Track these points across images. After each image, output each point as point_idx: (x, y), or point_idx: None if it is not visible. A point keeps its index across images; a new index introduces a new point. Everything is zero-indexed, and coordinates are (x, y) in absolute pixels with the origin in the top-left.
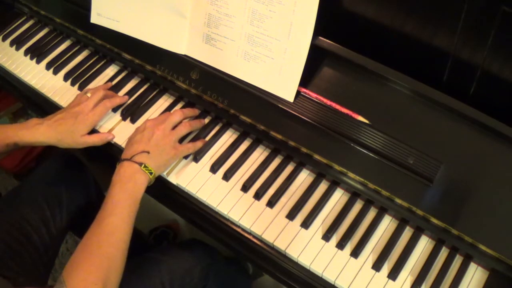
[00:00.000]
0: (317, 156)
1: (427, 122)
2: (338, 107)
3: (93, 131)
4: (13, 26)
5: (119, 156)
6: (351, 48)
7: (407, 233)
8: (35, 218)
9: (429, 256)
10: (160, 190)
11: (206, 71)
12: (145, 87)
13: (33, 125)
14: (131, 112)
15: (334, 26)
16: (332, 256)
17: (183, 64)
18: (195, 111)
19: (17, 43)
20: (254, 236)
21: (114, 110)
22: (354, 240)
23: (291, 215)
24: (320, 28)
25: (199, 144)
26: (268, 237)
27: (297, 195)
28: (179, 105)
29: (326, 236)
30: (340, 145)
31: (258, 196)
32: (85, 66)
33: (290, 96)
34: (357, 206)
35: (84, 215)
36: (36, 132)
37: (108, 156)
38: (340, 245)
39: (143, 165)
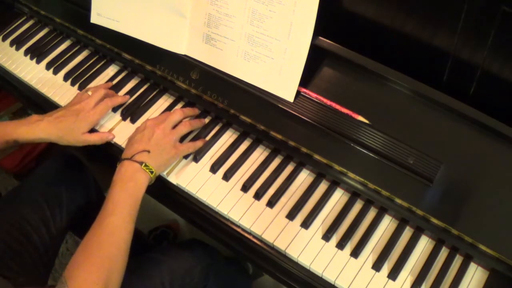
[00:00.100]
0: (317, 156)
1: (427, 122)
2: (338, 107)
3: (93, 130)
4: (13, 26)
5: (119, 156)
6: (351, 48)
7: (407, 233)
8: (35, 218)
9: (429, 256)
10: (160, 190)
11: (206, 71)
12: (145, 87)
13: (34, 121)
14: (131, 112)
15: (334, 26)
16: (332, 256)
17: (183, 64)
18: (195, 111)
19: (17, 43)
20: (254, 236)
21: (114, 110)
22: (354, 240)
23: (291, 215)
24: (320, 28)
25: (199, 143)
26: (268, 237)
27: (297, 195)
28: (179, 105)
29: (326, 236)
30: (340, 145)
31: (258, 196)
32: (85, 66)
33: (290, 96)
34: (357, 206)
35: (84, 215)
36: (37, 129)
37: (108, 156)
38: (340, 245)
39: (143, 164)
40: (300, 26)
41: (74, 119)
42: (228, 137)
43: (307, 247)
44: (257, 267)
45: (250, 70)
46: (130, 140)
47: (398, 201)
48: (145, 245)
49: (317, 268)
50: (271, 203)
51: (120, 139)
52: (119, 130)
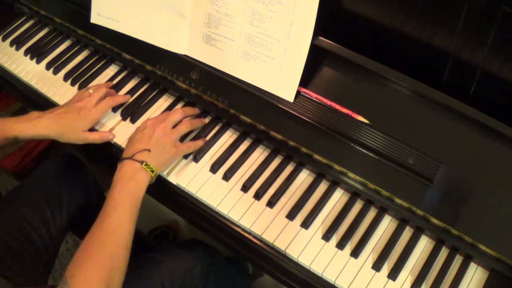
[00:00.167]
0: (317, 156)
1: (427, 122)
2: (338, 107)
3: (92, 130)
4: (13, 26)
5: (119, 156)
6: (351, 48)
7: (407, 233)
8: (35, 218)
9: (429, 256)
10: (160, 190)
11: (206, 71)
12: (145, 87)
13: (34, 118)
14: (131, 112)
15: (334, 26)
16: (332, 256)
17: (183, 64)
18: (196, 110)
19: (17, 43)
20: (254, 236)
21: (114, 110)
22: (354, 240)
23: (291, 215)
24: (320, 28)
25: (199, 143)
26: (268, 237)
27: (297, 195)
28: (179, 105)
29: (326, 236)
30: (340, 145)
31: (258, 196)
32: (85, 66)
33: (290, 96)
34: (357, 206)
35: (84, 215)
36: (37, 125)
37: (108, 156)
38: (340, 245)
39: (144, 163)
40: (300, 26)
41: (75, 117)
42: (228, 137)
43: (307, 247)
44: (257, 267)
45: (250, 70)
46: (131, 139)
47: (398, 201)
48: (145, 245)
49: (317, 268)
50: (271, 203)
51: (120, 139)
52: (119, 130)
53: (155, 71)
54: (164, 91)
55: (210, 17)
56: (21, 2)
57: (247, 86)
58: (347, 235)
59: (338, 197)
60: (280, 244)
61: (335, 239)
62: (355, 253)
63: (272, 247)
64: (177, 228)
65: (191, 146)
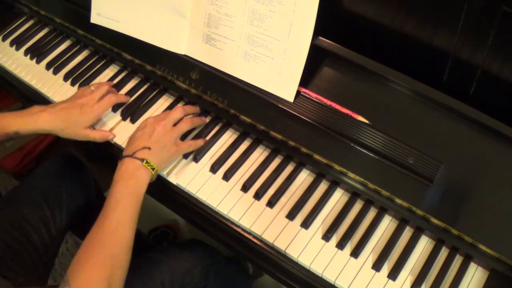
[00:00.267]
0: (317, 156)
1: (427, 122)
2: (338, 107)
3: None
4: (13, 26)
5: (119, 156)
6: (351, 48)
7: (407, 233)
8: (35, 218)
9: (429, 256)
10: (160, 190)
11: (206, 71)
12: (145, 87)
13: (35, 112)
14: (131, 112)
15: (334, 26)
16: (332, 256)
17: (183, 64)
18: (196, 108)
19: (17, 43)
20: (254, 236)
21: (114, 110)
22: (354, 240)
23: (291, 215)
24: (320, 28)
25: (200, 142)
26: (268, 237)
27: (297, 195)
28: (179, 105)
29: (326, 236)
30: (340, 145)
31: (258, 196)
32: (85, 66)
33: (290, 96)
34: (357, 206)
35: (84, 215)
36: (38, 119)
37: (108, 156)
38: (340, 245)
39: (145, 161)
40: (300, 26)
41: (77, 112)
42: (228, 137)
43: (307, 247)
44: (257, 267)
45: (250, 70)
46: (131, 138)
47: (398, 201)
48: (145, 245)
49: (317, 268)
50: (271, 203)
51: (120, 139)
52: (119, 130)
53: (155, 71)
54: (164, 91)
55: (210, 17)
56: (21, 2)
57: (247, 86)
58: (347, 235)
59: (338, 197)
60: (280, 244)
61: (335, 239)
62: (355, 253)
63: (272, 247)
64: (177, 228)
65: (192, 145)
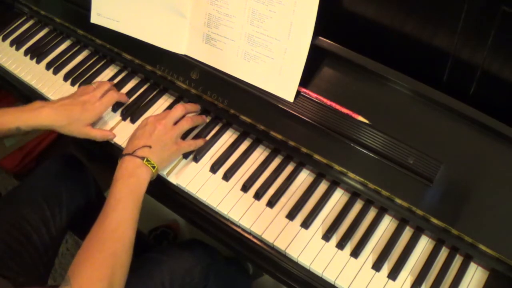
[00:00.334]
0: (317, 156)
1: (427, 122)
2: (338, 107)
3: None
4: (13, 26)
5: (119, 156)
6: (351, 48)
7: (407, 233)
8: (35, 218)
9: (429, 256)
10: (160, 190)
11: (206, 71)
12: (145, 87)
13: (37, 107)
14: (131, 112)
15: (334, 26)
16: (332, 256)
17: (183, 64)
18: (197, 106)
19: (17, 43)
20: (254, 236)
21: (114, 110)
22: (354, 240)
23: (291, 215)
24: (320, 28)
25: (200, 141)
26: (268, 237)
27: (297, 195)
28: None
29: (326, 236)
30: (340, 145)
31: (258, 196)
32: (85, 66)
33: (290, 96)
34: (357, 206)
35: (84, 215)
36: (39, 115)
37: (108, 156)
38: (340, 245)
39: (145, 159)
40: (300, 26)
41: (79, 109)
42: (228, 137)
43: (307, 247)
44: (257, 267)
45: (250, 70)
46: (132, 136)
47: (398, 201)
48: (145, 245)
49: (317, 268)
50: (271, 203)
51: (120, 139)
52: (119, 130)
53: (155, 71)
54: (164, 91)
55: (210, 17)
56: (21, 2)
57: (247, 86)
58: (347, 235)
59: (338, 197)
60: (280, 244)
61: (335, 239)
62: (355, 253)
63: (272, 247)
64: (177, 228)
65: (192, 144)
